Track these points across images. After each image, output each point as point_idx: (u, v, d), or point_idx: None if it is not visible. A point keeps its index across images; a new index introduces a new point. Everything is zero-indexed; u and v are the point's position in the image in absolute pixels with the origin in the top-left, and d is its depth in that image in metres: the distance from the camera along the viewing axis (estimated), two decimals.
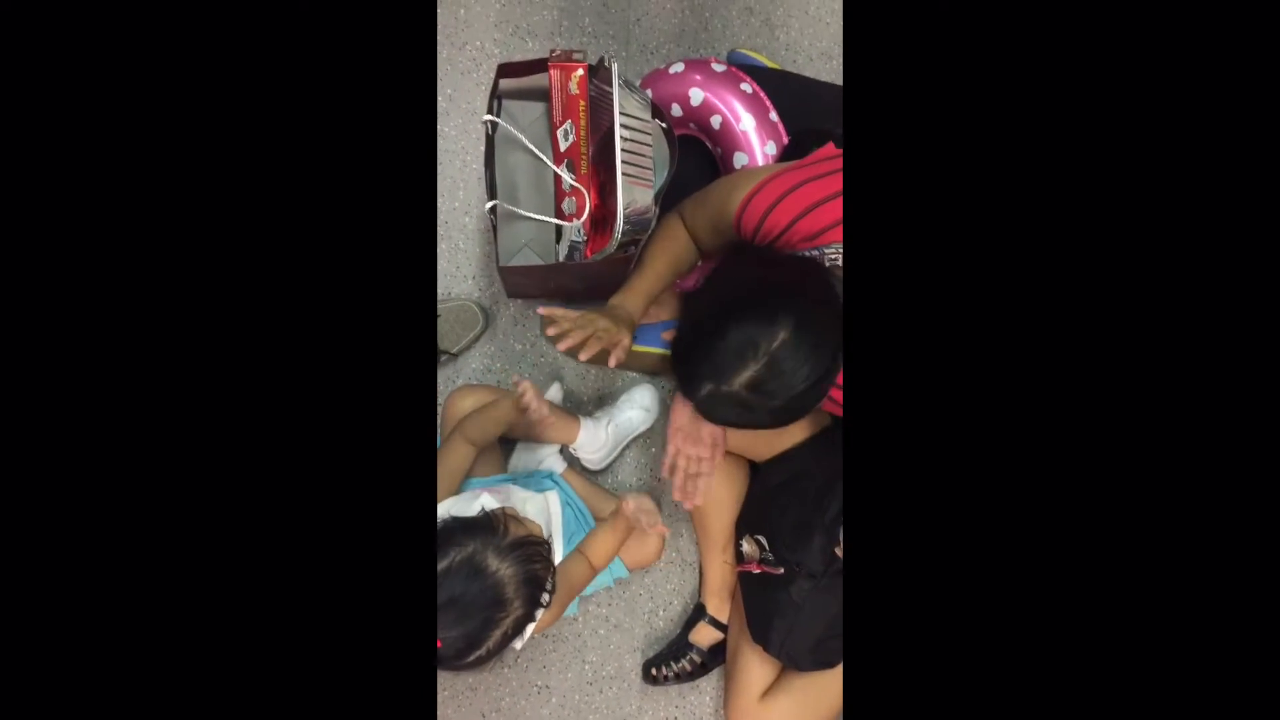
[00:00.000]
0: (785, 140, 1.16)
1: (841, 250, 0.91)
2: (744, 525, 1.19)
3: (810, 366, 0.83)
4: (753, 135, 1.15)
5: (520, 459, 1.25)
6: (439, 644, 0.84)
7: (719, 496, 1.20)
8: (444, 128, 1.31)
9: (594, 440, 1.23)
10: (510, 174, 1.12)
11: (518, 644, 0.93)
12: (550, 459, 1.25)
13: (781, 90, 1.18)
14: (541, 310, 1.04)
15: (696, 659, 1.26)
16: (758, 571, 1.13)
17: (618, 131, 0.97)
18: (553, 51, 1.06)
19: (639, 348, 1.24)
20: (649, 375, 1.32)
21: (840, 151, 0.95)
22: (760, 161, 1.15)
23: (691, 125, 1.20)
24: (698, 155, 1.21)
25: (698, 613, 1.27)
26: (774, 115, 1.16)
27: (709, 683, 1.29)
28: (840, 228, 0.90)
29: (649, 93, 1.09)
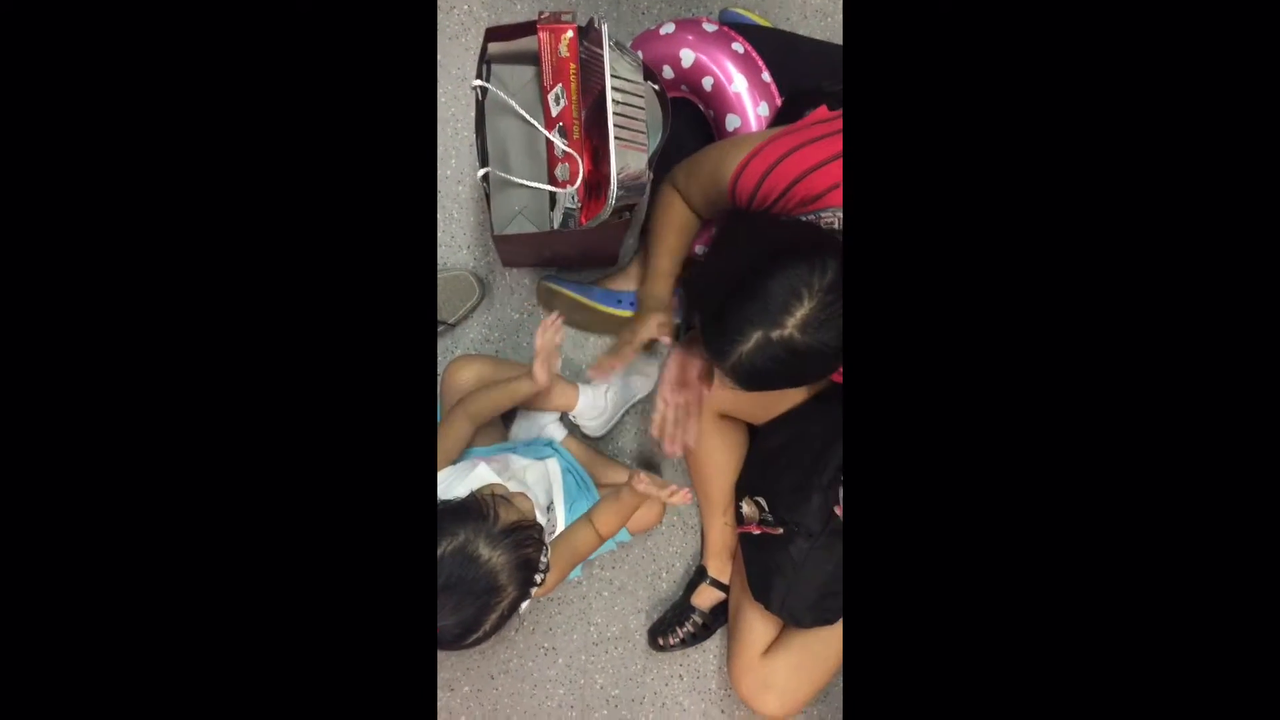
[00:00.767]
0: (779, 101, 1.15)
1: (837, 214, 0.91)
2: (743, 487, 1.20)
3: None
4: (745, 97, 1.14)
5: (521, 427, 1.26)
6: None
7: (718, 460, 1.21)
8: None
9: (593, 407, 1.23)
10: (502, 141, 1.11)
11: (521, 608, 0.94)
12: (550, 426, 1.26)
13: (775, 49, 1.16)
14: (591, 372, 1.10)
15: (699, 621, 1.28)
16: (757, 533, 1.15)
17: (609, 95, 0.96)
18: (541, 13, 1.04)
19: (603, 308, 1.25)
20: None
21: (834, 114, 0.94)
22: (753, 123, 1.14)
23: (683, 87, 1.18)
24: (690, 117, 1.19)
25: (699, 575, 1.29)
26: (767, 75, 1.15)
27: (713, 641, 1.32)
28: (836, 192, 0.89)
29: (640, 54, 1.07)
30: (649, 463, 1.33)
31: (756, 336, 0.83)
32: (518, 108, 1.06)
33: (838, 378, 1.01)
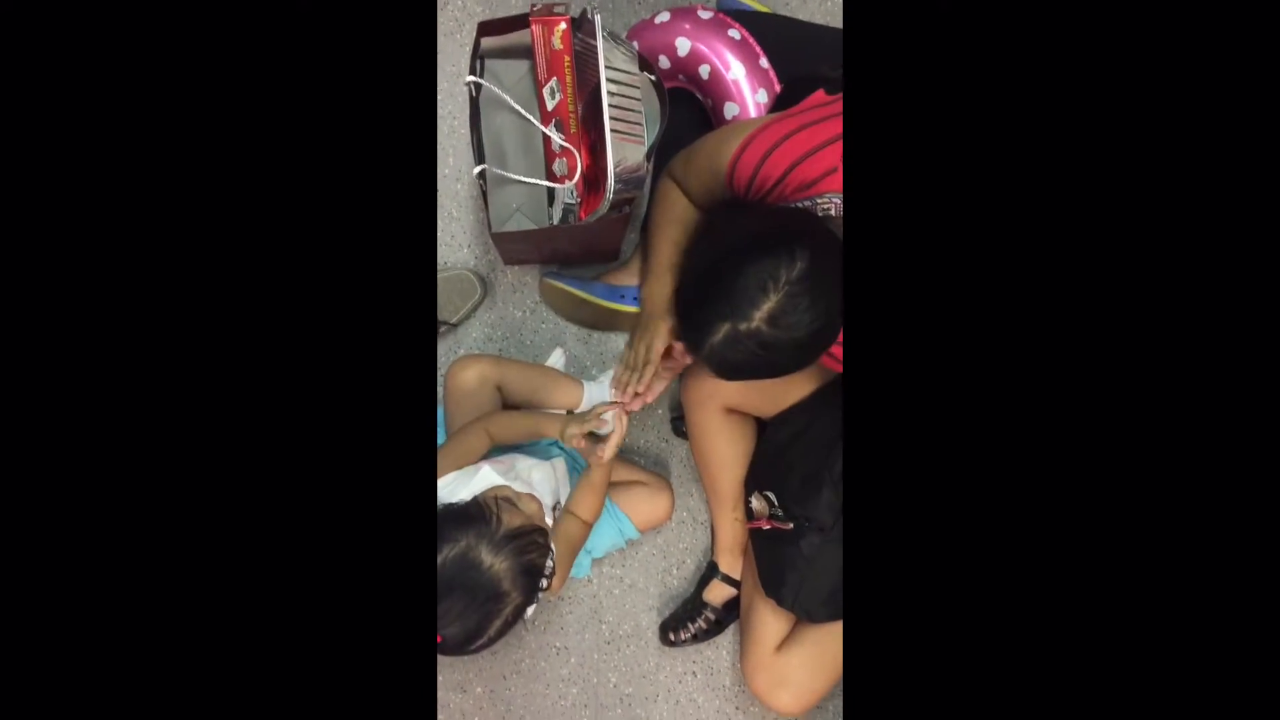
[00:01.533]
0: (777, 88, 1.13)
1: (835, 200, 0.89)
2: (752, 482, 1.19)
3: (826, 301, 0.84)
4: (743, 84, 1.12)
5: None
6: (439, 639, 0.84)
7: (726, 454, 1.20)
8: None
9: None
10: (498, 137, 1.09)
11: (528, 613, 0.93)
12: None
13: (772, 34, 1.14)
14: (632, 407, 1.09)
15: (711, 616, 1.27)
16: (768, 528, 1.13)
17: (604, 87, 0.94)
18: (534, 5, 1.02)
19: (600, 300, 1.24)
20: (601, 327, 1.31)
21: (831, 98, 0.92)
22: (752, 111, 1.12)
23: (680, 77, 1.16)
24: (688, 108, 1.17)
25: (710, 570, 1.28)
26: (764, 62, 1.12)
27: (725, 637, 1.30)
28: (834, 176, 0.88)
29: (635, 44, 1.05)
30: (658, 459, 1.32)
31: (725, 329, 0.85)
32: (513, 103, 1.05)
33: (839, 368, 1.00)
